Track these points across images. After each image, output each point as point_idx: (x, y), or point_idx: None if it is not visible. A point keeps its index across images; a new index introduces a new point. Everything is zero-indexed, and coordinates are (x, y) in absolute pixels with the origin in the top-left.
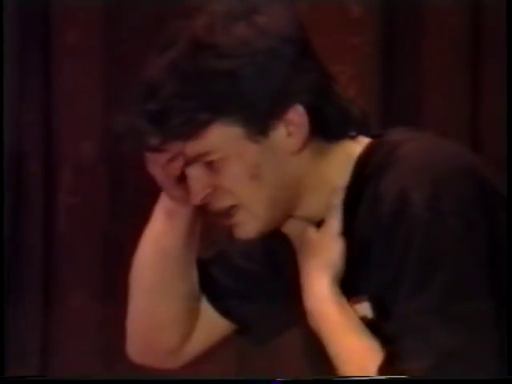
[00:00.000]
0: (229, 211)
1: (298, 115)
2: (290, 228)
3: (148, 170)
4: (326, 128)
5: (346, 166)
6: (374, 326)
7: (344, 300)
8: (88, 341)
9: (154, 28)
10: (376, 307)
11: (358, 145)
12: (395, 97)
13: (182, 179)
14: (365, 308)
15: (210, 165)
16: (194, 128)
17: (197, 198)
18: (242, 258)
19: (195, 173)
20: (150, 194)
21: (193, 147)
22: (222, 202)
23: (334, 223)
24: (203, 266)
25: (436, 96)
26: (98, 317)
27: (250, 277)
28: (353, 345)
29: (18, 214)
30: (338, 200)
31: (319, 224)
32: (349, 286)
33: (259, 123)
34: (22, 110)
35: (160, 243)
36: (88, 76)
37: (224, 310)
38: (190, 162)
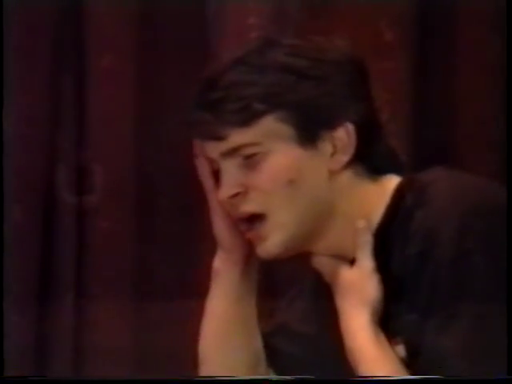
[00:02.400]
0: (253, 220)
1: (347, 134)
2: (322, 265)
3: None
4: (370, 158)
5: (380, 203)
6: (406, 366)
7: (383, 337)
8: (89, 341)
9: (188, 55)
10: (408, 348)
11: (392, 182)
12: (428, 122)
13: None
14: (401, 350)
15: (248, 160)
16: (247, 116)
17: (225, 194)
18: (302, 324)
19: (231, 167)
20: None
21: (241, 135)
22: (249, 207)
23: (367, 259)
24: (267, 340)
25: (470, 120)
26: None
27: (310, 342)
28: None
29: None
30: (369, 236)
31: (352, 262)
32: (388, 327)
33: (310, 129)
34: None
35: (211, 307)
36: (121, 101)
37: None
38: (231, 152)
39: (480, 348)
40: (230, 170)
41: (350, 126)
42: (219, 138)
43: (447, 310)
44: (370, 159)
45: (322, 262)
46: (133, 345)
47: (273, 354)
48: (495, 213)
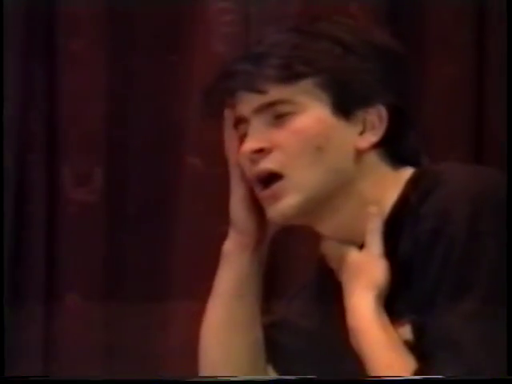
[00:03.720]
0: (270, 181)
1: (379, 116)
2: (330, 250)
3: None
4: (395, 146)
5: (394, 191)
6: (411, 347)
7: (387, 320)
8: (88, 341)
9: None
10: (414, 328)
11: (408, 173)
12: None
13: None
14: (407, 332)
15: (279, 119)
16: (288, 74)
17: (250, 147)
18: (302, 318)
19: (260, 123)
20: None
21: (279, 91)
22: (270, 164)
23: (377, 245)
24: (267, 333)
25: (439, 115)
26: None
27: (310, 336)
28: (391, 362)
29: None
30: (379, 222)
31: (360, 247)
32: (392, 309)
33: (346, 103)
34: (24, 120)
35: (217, 290)
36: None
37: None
38: (264, 108)
39: (487, 328)
40: (259, 126)
41: (383, 110)
42: (257, 91)
43: (457, 288)
44: (394, 147)
45: (330, 246)
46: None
47: (272, 348)
48: (505, 199)
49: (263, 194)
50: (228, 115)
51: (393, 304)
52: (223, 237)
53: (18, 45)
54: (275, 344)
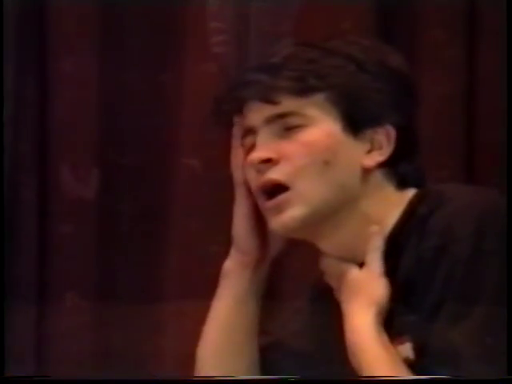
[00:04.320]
0: (275, 192)
1: (387, 135)
2: (329, 267)
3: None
4: (400, 167)
5: (396, 211)
6: (411, 365)
7: (386, 338)
8: (87, 342)
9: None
10: (415, 346)
11: (410, 193)
12: None
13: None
14: (407, 349)
15: (289, 131)
16: (301, 87)
17: (258, 156)
18: (298, 339)
19: (270, 133)
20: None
21: (291, 103)
22: (277, 175)
23: (377, 263)
24: (262, 354)
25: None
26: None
27: (306, 358)
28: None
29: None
30: (380, 241)
31: (360, 266)
32: (392, 327)
33: (356, 120)
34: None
35: (216, 309)
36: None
37: None
38: (275, 119)
39: (490, 346)
40: (268, 137)
41: (392, 130)
42: (270, 101)
43: (460, 305)
44: (399, 167)
45: (329, 264)
46: (94, 346)
47: (268, 371)
48: (506, 219)
49: (267, 204)
50: (236, 132)
51: (392, 322)
52: (222, 238)
53: (9, 63)
54: (270, 366)
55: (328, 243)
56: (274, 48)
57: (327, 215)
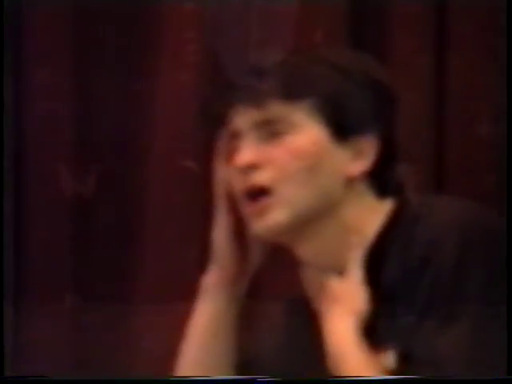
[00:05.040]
0: (259, 196)
1: (370, 145)
2: (307, 276)
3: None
4: (381, 178)
5: (377, 221)
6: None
7: (365, 346)
8: (85, 342)
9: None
10: (398, 354)
11: (390, 203)
12: None
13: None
14: (389, 358)
15: (275, 136)
16: (289, 92)
17: (244, 159)
18: (275, 354)
19: (256, 137)
20: None
21: (280, 108)
22: (262, 178)
23: (357, 273)
24: (239, 371)
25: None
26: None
27: (285, 372)
28: None
29: None
30: (361, 252)
31: (341, 274)
32: (373, 336)
33: (340, 127)
34: None
35: (193, 326)
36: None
37: None
38: (263, 123)
39: (476, 352)
40: (254, 141)
41: (374, 140)
42: (258, 105)
43: (446, 315)
44: (380, 177)
45: (308, 273)
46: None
47: None
48: (492, 231)
49: (250, 208)
50: (220, 147)
51: (373, 332)
52: None
53: None
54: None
55: (307, 250)
56: (263, 54)
57: (309, 221)
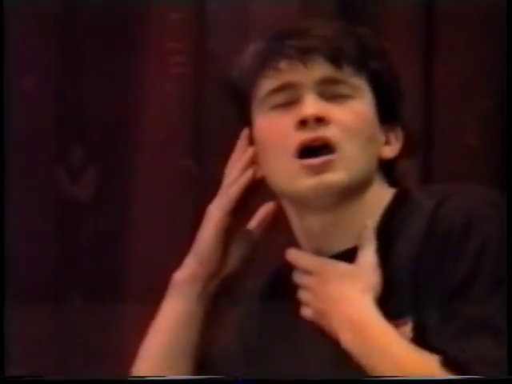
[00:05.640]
0: (320, 149)
1: (399, 133)
2: (298, 259)
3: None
4: (393, 168)
5: (382, 206)
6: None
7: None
8: (84, 342)
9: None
10: (419, 327)
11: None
12: None
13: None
14: (406, 331)
15: (337, 98)
16: (356, 61)
17: (313, 111)
18: (246, 343)
19: (319, 93)
20: None
21: (347, 72)
22: (330, 132)
23: (371, 253)
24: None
25: None
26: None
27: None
28: (404, 355)
29: None
30: (373, 234)
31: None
32: (388, 311)
33: (387, 109)
34: None
35: (160, 321)
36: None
37: None
38: (327, 82)
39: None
40: (319, 97)
41: (401, 130)
42: (337, 61)
43: (492, 280)
44: (391, 168)
45: (298, 256)
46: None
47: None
48: (499, 215)
49: (311, 161)
50: (244, 136)
51: (388, 307)
52: None
53: None
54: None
55: (323, 221)
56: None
57: (355, 189)
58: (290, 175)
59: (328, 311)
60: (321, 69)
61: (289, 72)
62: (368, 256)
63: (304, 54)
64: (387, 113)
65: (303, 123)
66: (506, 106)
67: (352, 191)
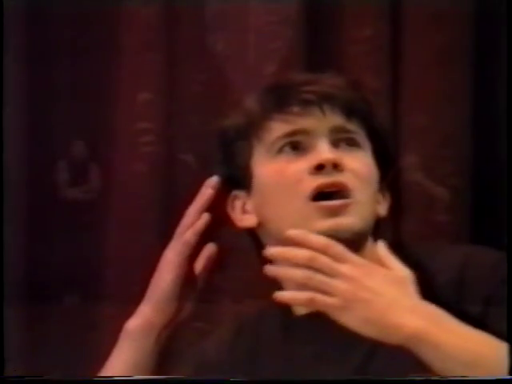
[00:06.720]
0: (334, 194)
1: (386, 196)
2: (284, 274)
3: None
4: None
5: None
6: None
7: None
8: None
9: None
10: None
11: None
12: None
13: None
14: None
15: (348, 147)
16: (368, 113)
17: (331, 157)
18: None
19: (331, 141)
20: None
21: (356, 123)
22: (345, 178)
23: (398, 264)
24: None
25: None
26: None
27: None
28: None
29: None
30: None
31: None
32: None
33: (385, 166)
34: None
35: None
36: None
37: None
38: (339, 131)
39: None
40: (331, 145)
41: (387, 190)
42: (352, 113)
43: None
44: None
45: (284, 270)
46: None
47: None
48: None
49: (329, 204)
50: (210, 184)
51: None
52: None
53: None
54: None
55: None
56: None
57: (359, 242)
58: (303, 217)
59: (370, 300)
60: (335, 117)
61: (303, 117)
62: (396, 266)
63: (323, 100)
64: (382, 170)
65: (320, 168)
66: (506, 106)
67: (358, 240)
